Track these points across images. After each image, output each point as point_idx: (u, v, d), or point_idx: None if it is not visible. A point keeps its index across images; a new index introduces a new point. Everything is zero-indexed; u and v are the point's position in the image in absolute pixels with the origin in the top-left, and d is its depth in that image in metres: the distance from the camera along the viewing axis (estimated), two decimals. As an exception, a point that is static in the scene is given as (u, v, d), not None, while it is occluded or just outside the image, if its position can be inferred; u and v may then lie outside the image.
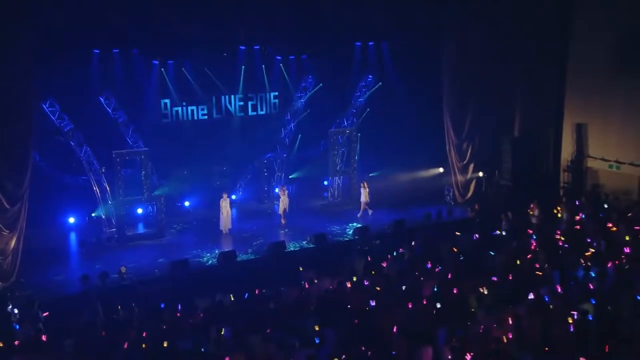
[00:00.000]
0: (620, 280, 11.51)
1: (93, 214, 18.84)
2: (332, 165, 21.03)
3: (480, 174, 20.84)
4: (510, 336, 9.49)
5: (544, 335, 9.58)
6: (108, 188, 18.04)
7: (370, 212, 19.62)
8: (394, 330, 9.95)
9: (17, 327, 11.69)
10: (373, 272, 13.52)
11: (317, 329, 10.09)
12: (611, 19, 18.29)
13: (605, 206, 17.13)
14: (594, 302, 10.44)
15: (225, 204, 18.40)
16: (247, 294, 12.67)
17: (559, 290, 11.37)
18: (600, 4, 18.70)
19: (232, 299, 12.42)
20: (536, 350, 9.10)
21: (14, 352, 10.38)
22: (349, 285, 12.65)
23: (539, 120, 20.57)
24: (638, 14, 17.61)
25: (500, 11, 19.00)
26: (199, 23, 18.27)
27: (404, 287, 12.14)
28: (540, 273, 12.48)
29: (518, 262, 13.20)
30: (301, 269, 14.03)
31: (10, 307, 12.44)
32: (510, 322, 9.89)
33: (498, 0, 19.04)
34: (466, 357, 8.94)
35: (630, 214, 15.89)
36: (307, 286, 12.98)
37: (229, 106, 21.61)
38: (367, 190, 19.63)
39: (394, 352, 9.37)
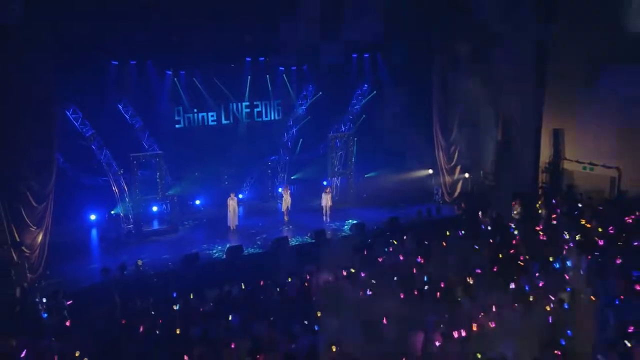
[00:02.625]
0: (593, 270, 11.55)
1: (112, 212, 18.94)
2: (331, 167, 21.08)
3: (466, 175, 20.91)
4: (493, 323, 9.53)
5: (524, 322, 9.62)
6: (126, 188, 18.13)
7: (326, 218, 19.35)
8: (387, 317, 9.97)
9: (45, 315, 11.75)
10: (369, 265, 13.51)
11: (319, 314, 10.11)
12: (586, 35, 18.27)
13: (580, 204, 17.18)
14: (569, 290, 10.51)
15: (232, 203, 18.49)
16: (252, 285, 12.70)
17: (538, 280, 11.42)
18: (576, 19, 18.68)
19: (242, 288, 12.41)
20: (517, 336, 9.14)
21: (42, 339, 10.43)
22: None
23: (520, 126, 20.57)
24: (611, 29, 17.61)
25: (485, 25, 18.99)
26: (209, 37, 18.36)
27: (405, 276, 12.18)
28: (521, 264, 12.53)
29: (501, 255, 13.24)
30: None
31: (38, 297, 12.50)
32: (494, 309, 9.94)
33: (483, 14, 19.03)
34: (453, 340, 8.99)
35: (601, 209, 15.97)
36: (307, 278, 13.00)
37: (236, 113, 21.66)
38: (330, 195, 19.54)
39: (386, 338, 9.41)
